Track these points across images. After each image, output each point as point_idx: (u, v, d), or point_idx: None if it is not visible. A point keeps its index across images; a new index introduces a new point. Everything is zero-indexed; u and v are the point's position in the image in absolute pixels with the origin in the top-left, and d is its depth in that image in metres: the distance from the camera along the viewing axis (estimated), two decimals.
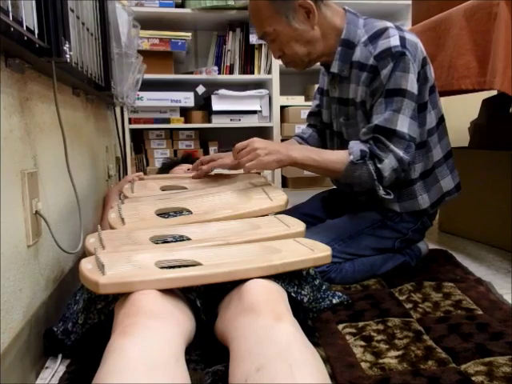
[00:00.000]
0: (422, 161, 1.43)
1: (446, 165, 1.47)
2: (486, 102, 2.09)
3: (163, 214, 1.19)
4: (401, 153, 1.29)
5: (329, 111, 1.57)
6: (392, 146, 1.29)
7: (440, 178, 1.46)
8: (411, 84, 1.28)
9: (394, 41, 1.28)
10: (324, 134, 1.65)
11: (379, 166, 1.29)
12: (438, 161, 1.45)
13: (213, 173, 1.50)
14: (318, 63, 1.52)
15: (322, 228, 1.48)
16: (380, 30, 1.33)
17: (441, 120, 1.45)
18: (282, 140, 2.69)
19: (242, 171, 1.48)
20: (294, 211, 1.64)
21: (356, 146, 1.31)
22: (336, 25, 1.38)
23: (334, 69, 1.41)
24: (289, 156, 1.29)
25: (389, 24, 1.35)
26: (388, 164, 1.29)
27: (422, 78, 1.34)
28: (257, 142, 1.29)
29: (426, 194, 1.45)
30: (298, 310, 0.97)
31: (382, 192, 1.33)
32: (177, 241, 1.02)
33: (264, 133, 2.90)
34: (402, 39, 1.29)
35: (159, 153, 2.76)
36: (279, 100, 2.78)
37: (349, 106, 1.43)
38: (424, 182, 1.44)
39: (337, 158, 1.32)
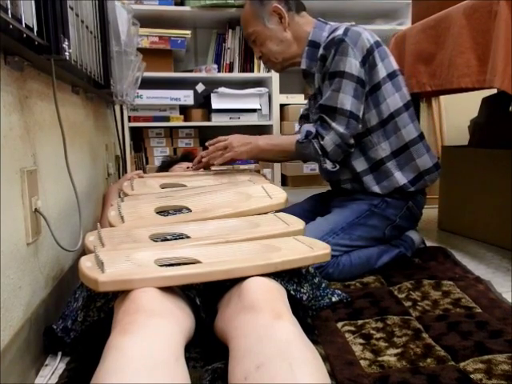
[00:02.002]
0: (388, 139, 1.51)
1: (421, 144, 1.55)
2: (486, 101, 2.09)
3: (163, 212, 1.19)
4: (341, 129, 1.44)
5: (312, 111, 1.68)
6: (333, 124, 1.45)
7: (416, 156, 1.53)
8: (349, 66, 1.43)
9: (339, 32, 1.47)
10: None
11: (322, 142, 1.46)
12: (412, 139, 1.53)
13: (212, 169, 1.55)
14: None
15: (314, 224, 1.51)
16: (335, 29, 1.50)
17: (409, 104, 1.54)
18: None
19: (241, 168, 1.52)
20: (293, 209, 1.65)
21: (304, 128, 1.50)
22: (306, 31, 1.58)
23: (303, 65, 1.60)
24: (256, 145, 1.52)
25: (345, 23, 1.53)
26: (329, 140, 1.45)
27: (370, 63, 1.46)
28: (232, 138, 1.53)
29: (400, 171, 1.52)
30: (298, 308, 0.97)
31: (328, 165, 1.49)
32: (176, 239, 1.02)
33: (264, 131, 2.90)
34: (346, 30, 1.47)
35: (159, 151, 2.75)
36: (279, 98, 2.77)
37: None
38: (397, 160, 1.52)
39: (290, 140, 1.52)
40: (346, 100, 1.42)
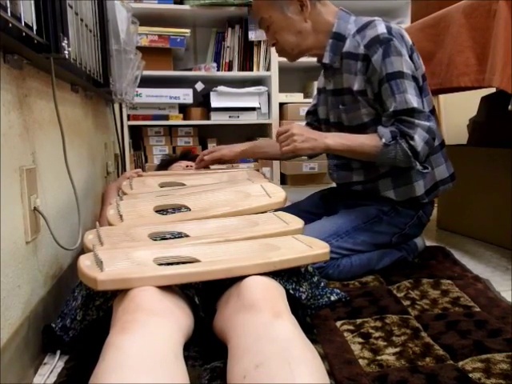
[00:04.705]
0: None
1: (441, 153, 1.51)
2: (485, 100, 2.09)
3: (162, 210, 1.19)
4: (427, 123, 1.34)
5: (325, 106, 1.61)
6: (417, 121, 1.33)
7: (434, 165, 1.49)
8: (406, 65, 1.35)
9: (381, 29, 1.37)
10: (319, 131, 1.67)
11: (412, 143, 1.33)
12: (433, 148, 1.47)
13: (212, 167, 1.53)
14: (315, 62, 1.57)
15: (318, 224, 1.49)
16: (367, 22, 1.42)
17: (434, 110, 1.49)
18: None
19: (240, 167, 1.50)
20: (292, 208, 1.64)
21: (385, 129, 1.36)
22: (328, 21, 1.46)
23: (326, 59, 1.48)
24: (323, 143, 1.35)
25: (376, 18, 1.43)
26: (418, 139, 1.33)
27: (414, 62, 1.39)
28: (295, 128, 1.36)
29: (422, 180, 1.47)
30: (297, 307, 0.97)
31: (419, 167, 1.39)
32: (175, 237, 1.02)
33: (263, 130, 2.90)
34: (388, 27, 1.38)
35: (158, 150, 2.75)
36: (278, 97, 2.77)
37: (344, 95, 1.48)
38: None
39: (370, 142, 1.36)
40: (414, 99, 1.33)
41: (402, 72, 1.34)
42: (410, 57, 1.38)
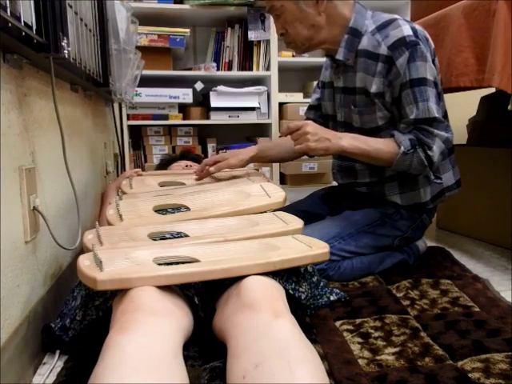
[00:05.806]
0: None
1: (449, 159, 1.49)
2: (485, 100, 2.09)
3: (161, 210, 1.19)
4: (445, 134, 1.32)
5: (332, 103, 1.57)
6: (436, 131, 1.31)
7: (441, 171, 1.47)
8: (430, 72, 1.32)
9: (407, 30, 1.31)
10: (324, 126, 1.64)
11: (429, 153, 1.31)
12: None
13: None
14: (320, 58, 1.53)
15: (321, 225, 1.48)
16: (388, 21, 1.36)
17: (446, 116, 1.46)
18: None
19: (242, 170, 1.50)
20: (292, 208, 1.64)
21: (403, 137, 1.32)
22: (344, 14, 1.40)
23: (340, 56, 1.42)
24: (338, 145, 1.29)
25: (396, 16, 1.38)
26: (436, 149, 1.32)
27: (435, 69, 1.36)
28: (309, 126, 1.29)
29: (429, 186, 1.46)
30: (296, 306, 0.97)
31: (433, 177, 1.40)
32: (175, 237, 1.02)
33: (262, 130, 2.90)
34: (414, 29, 1.32)
35: (157, 149, 2.75)
36: (278, 97, 2.77)
37: (355, 95, 1.43)
38: (426, 175, 1.44)
39: (386, 148, 1.32)
40: (435, 108, 1.31)
41: (425, 79, 1.31)
42: (433, 61, 1.35)
